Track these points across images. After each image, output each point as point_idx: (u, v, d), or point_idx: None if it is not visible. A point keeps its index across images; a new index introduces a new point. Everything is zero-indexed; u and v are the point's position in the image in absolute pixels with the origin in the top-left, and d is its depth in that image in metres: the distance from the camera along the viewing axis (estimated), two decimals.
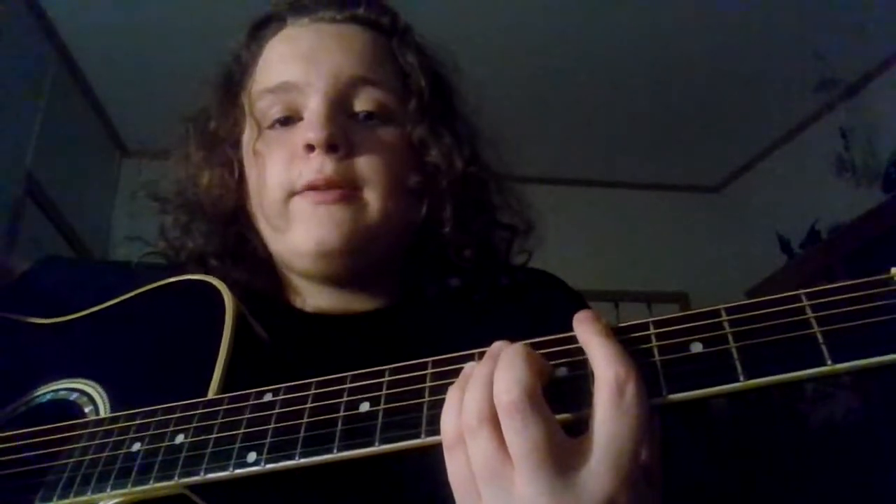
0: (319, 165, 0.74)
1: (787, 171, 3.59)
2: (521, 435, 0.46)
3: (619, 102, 3.31)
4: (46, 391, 0.72)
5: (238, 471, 0.55)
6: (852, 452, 2.92)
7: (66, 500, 0.60)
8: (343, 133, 0.75)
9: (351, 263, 0.76)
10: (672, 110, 3.36)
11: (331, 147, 0.74)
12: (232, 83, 0.85)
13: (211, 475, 0.56)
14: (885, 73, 3.17)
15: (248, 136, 0.81)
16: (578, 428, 0.47)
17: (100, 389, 0.69)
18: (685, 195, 3.92)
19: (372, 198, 0.76)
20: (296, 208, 0.75)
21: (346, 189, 0.75)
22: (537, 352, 0.50)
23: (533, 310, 0.78)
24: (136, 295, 0.77)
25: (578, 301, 0.82)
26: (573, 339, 0.51)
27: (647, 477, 0.48)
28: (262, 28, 0.85)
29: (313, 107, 0.76)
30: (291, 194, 0.75)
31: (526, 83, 3.04)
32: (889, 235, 2.99)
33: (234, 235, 0.82)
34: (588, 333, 0.49)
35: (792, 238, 3.52)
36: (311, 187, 0.74)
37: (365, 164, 0.76)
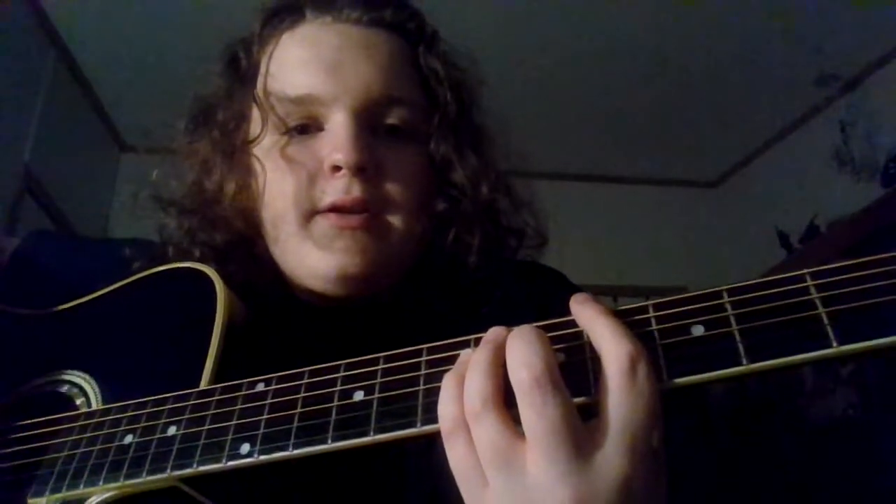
0: (346, 186, 0.71)
1: (786, 165, 3.59)
2: (541, 414, 0.44)
3: (617, 97, 3.30)
4: (37, 384, 0.72)
5: (231, 463, 0.54)
6: (852, 449, 2.91)
7: (58, 495, 0.59)
8: (372, 154, 0.72)
9: (367, 285, 0.74)
10: (670, 105, 3.36)
11: (359, 169, 0.71)
12: (240, 72, 0.81)
13: (203, 467, 0.55)
14: (885, 67, 3.16)
15: (264, 139, 0.76)
16: (584, 412, 0.46)
17: (91, 381, 0.69)
18: (684, 190, 3.91)
19: (396, 220, 0.74)
20: (317, 229, 0.72)
21: (370, 212, 0.72)
22: None
23: (534, 306, 0.76)
24: (126, 284, 0.76)
25: None
26: (569, 325, 0.50)
27: (657, 460, 0.46)
28: (276, 17, 0.80)
29: (341, 124, 0.72)
30: (313, 213, 0.72)
31: (523, 79, 3.03)
32: (888, 230, 2.99)
33: (240, 240, 0.78)
34: (590, 313, 0.48)
35: (791, 233, 3.51)
36: (336, 208, 0.72)
37: (391, 186, 0.73)
